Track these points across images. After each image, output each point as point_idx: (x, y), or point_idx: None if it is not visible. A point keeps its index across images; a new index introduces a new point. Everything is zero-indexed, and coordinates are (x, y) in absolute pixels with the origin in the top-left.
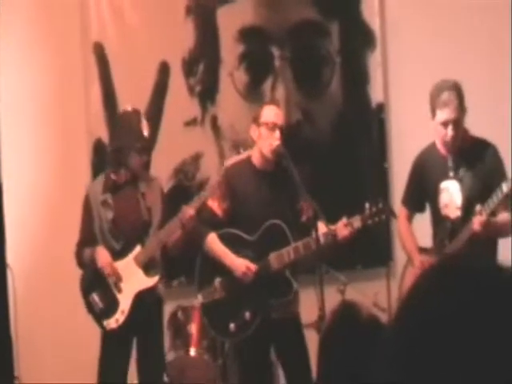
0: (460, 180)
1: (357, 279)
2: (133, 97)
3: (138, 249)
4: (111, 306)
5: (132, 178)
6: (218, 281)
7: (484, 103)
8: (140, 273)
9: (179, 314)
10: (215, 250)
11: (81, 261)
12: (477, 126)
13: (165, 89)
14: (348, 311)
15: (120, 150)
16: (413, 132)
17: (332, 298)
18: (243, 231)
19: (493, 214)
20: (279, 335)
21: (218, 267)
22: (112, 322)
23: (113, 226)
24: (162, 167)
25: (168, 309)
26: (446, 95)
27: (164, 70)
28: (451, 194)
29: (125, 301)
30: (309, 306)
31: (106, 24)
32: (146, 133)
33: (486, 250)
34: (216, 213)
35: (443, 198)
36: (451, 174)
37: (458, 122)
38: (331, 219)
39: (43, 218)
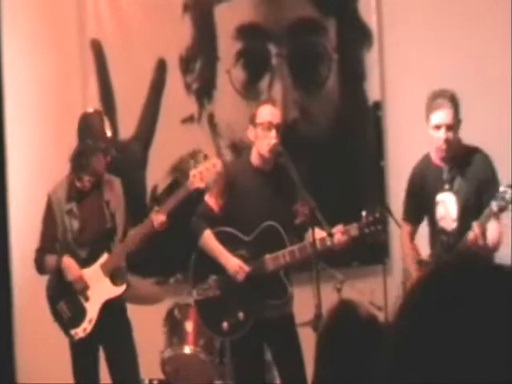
0: (455, 192)
1: (353, 276)
2: (130, 94)
3: (105, 256)
4: (78, 314)
5: (96, 185)
6: (212, 278)
7: (481, 103)
8: (107, 281)
9: (176, 311)
10: (210, 247)
11: (42, 267)
12: (473, 132)
13: (162, 86)
14: (346, 310)
15: (83, 153)
16: (409, 130)
17: (328, 296)
18: (239, 230)
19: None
20: (273, 334)
21: (212, 264)
22: (80, 332)
23: (78, 234)
24: (159, 164)
25: (165, 306)
26: (440, 100)
27: (161, 67)
28: (447, 206)
29: (92, 309)
30: (305, 303)
31: (103, 21)
32: (109, 133)
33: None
34: (213, 209)
35: (439, 211)
36: (447, 186)
37: (450, 127)
38: (327, 217)
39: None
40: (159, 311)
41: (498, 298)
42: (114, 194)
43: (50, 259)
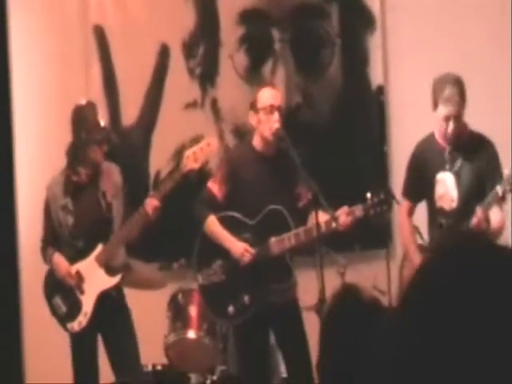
0: (455, 173)
1: (356, 260)
2: (133, 79)
3: (99, 248)
4: (74, 308)
5: (93, 176)
6: (217, 264)
7: (484, 89)
8: (101, 272)
9: (179, 296)
10: (215, 232)
11: (46, 257)
12: (476, 115)
13: (165, 71)
14: (349, 294)
15: (78, 147)
16: (412, 114)
17: (332, 281)
18: (243, 214)
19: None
20: (277, 319)
21: (217, 249)
22: (75, 325)
23: (73, 229)
24: (162, 150)
25: (168, 291)
26: (448, 90)
27: (164, 52)
28: (447, 186)
29: (87, 302)
30: (309, 288)
31: (105, 7)
32: (103, 123)
33: None
34: (216, 195)
35: (439, 190)
36: (447, 166)
37: (459, 117)
38: (331, 202)
39: None
40: (163, 296)
41: (502, 280)
42: (112, 183)
43: (49, 252)
